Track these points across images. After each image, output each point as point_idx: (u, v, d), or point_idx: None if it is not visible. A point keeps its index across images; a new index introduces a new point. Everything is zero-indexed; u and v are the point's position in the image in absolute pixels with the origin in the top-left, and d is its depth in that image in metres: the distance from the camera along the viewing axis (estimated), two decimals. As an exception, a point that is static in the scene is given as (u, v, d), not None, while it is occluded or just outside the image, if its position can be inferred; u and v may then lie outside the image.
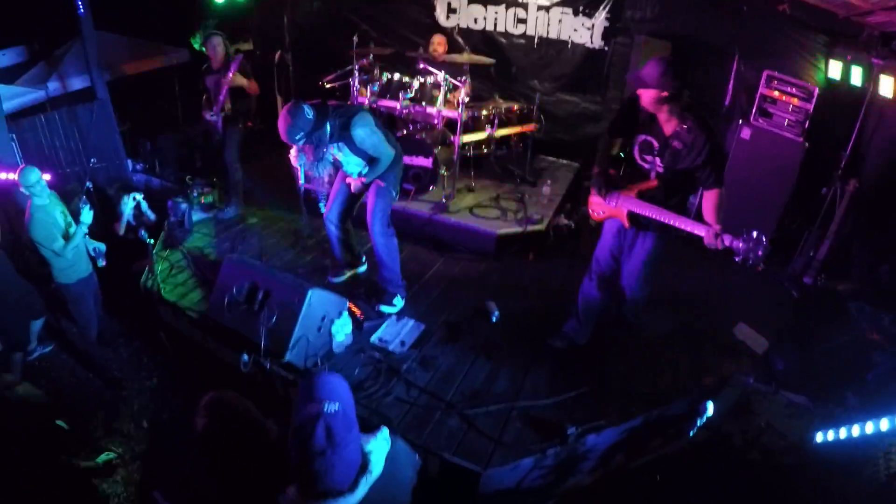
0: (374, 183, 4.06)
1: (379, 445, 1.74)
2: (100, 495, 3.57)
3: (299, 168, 4.00)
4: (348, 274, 4.74)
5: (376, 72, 5.88)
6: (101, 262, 4.46)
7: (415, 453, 2.05)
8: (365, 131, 3.78)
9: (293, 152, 3.87)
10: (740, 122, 5.55)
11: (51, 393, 4.30)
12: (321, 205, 4.17)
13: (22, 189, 3.91)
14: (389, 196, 4.13)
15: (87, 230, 4.16)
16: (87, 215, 4.11)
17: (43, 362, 4.64)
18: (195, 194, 5.92)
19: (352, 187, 4.13)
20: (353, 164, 4.04)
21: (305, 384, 1.68)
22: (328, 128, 3.71)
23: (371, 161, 3.97)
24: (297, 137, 3.62)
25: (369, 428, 1.81)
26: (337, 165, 4.16)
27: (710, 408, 2.87)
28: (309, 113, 3.59)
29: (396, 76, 5.80)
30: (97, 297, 4.51)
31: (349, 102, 5.74)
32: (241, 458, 1.92)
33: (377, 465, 1.69)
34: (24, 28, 6.25)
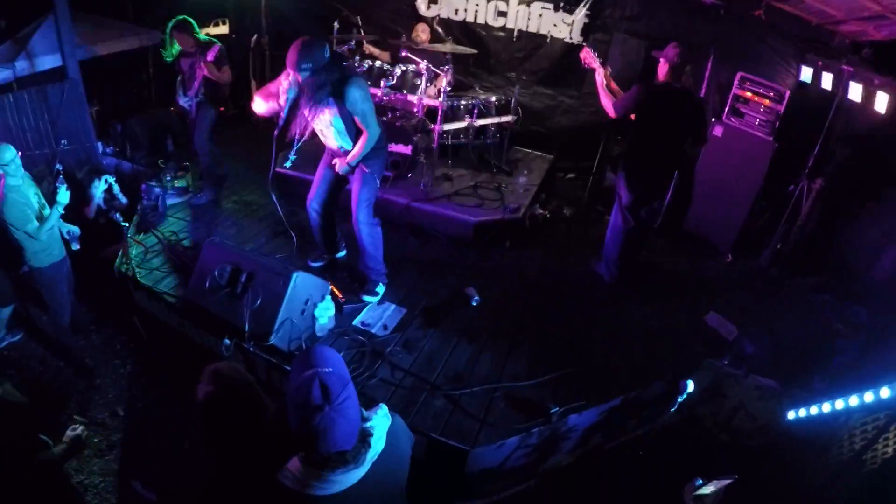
0: (359, 169, 4.00)
1: (380, 421, 1.75)
2: (76, 488, 3.52)
3: (284, 104, 3.82)
4: (327, 259, 4.73)
5: (356, 59, 5.86)
6: (75, 246, 4.35)
7: (410, 431, 2.07)
8: (360, 94, 3.69)
9: (283, 84, 3.74)
10: (713, 119, 5.69)
11: (21, 382, 4.20)
12: (291, 155, 4.05)
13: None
14: (374, 183, 4.09)
15: (62, 211, 4.04)
16: (63, 196, 3.98)
17: (12, 351, 4.52)
18: (168, 178, 5.83)
19: (337, 167, 4.03)
20: (336, 133, 3.93)
21: (300, 356, 1.71)
22: (329, 76, 3.59)
23: (356, 135, 3.93)
24: (304, 66, 3.50)
25: (367, 406, 1.83)
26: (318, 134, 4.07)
27: (691, 385, 2.97)
28: (326, 51, 3.52)
29: (378, 63, 5.80)
30: (70, 282, 4.39)
31: None
32: (240, 430, 1.91)
33: (379, 441, 1.71)
34: None
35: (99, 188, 4.95)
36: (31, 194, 3.97)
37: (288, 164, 4.03)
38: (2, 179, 3.81)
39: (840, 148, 5.20)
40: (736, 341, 4.24)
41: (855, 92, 4.72)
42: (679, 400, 2.97)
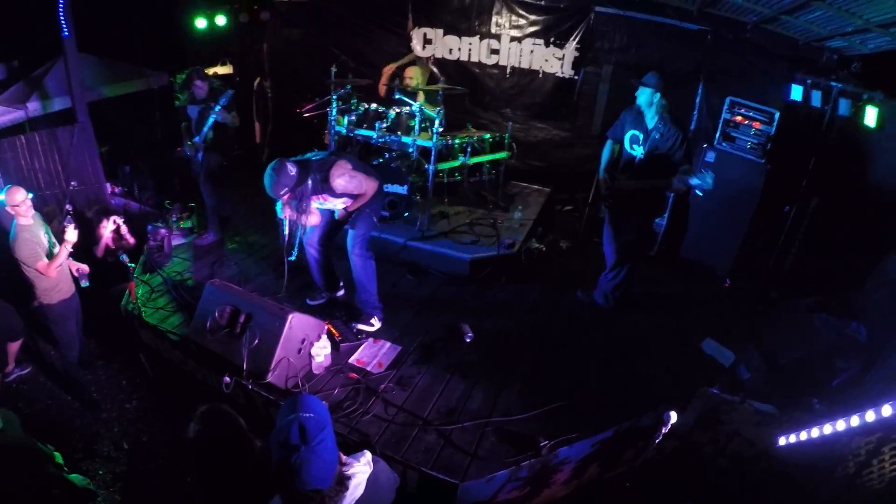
0: (358, 210, 4.21)
1: (361, 468, 1.85)
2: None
3: (283, 222, 4.16)
4: (326, 297, 4.84)
5: (353, 102, 6.01)
6: (84, 283, 4.49)
7: (394, 473, 2.14)
8: (343, 180, 3.98)
9: (279, 206, 4.06)
10: (705, 146, 5.77)
11: (29, 416, 4.30)
12: (293, 252, 4.43)
13: (7, 208, 3.93)
14: (371, 222, 4.30)
15: (71, 250, 4.18)
16: (72, 234, 4.12)
17: (21, 384, 4.65)
18: (174, 219, 5.97)
19: (336, 215, 4.29)
20: (340, 205, 4.21)
21: (287, 402, 1.81)
22: (310, 183, 3.89)
23: (357, 197, 4.18)
24: (282, 192, 3.81)
25: (351, 450, 1.92)
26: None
27: (674, 416, 2.98)
28: (292, 170, 3.79)
29: (373, 106, 5.93)
30: (79, 319, 4.52)
31: (325, 132, 5.92)
32: (228, 467, 2.02)
33: (358, 487, 1.80)
34: (4, 46, 6.24)
35: (107, 228, 5.10)
36: (42, 234, 4.11)
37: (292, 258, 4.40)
38: (13, 219, 3.97)
39: (833, 164, 5.23)
40: (733, 367, 4.24)
41: (845, 107, 4.78)
42: (663, 431, 2.98)
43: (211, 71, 7.52)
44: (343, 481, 1.76)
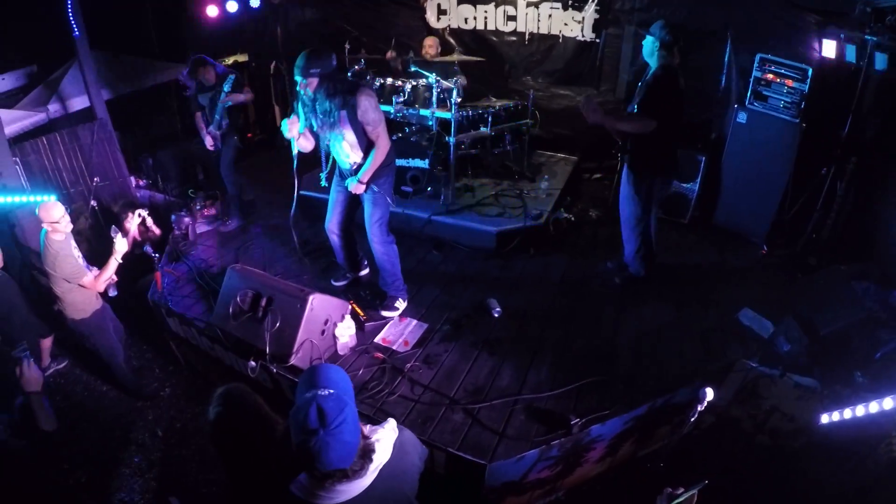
0: (369, 189, 4.04)
1: (386, 434, 1.80)
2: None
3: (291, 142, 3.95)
4: (350, 278, 4.78)
5: (368, 77, 5.91)
6: (113, 293, 4.48)
7: (423, 445, 2.07)
8: (370, 102, 3.76)
9: (284, 124, 3.84)
10: (736, 106, 5.54)
11: (66, 408, 4.42)
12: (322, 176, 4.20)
13: (44, 225, 3.84)
14: (385, 203, 4.11)
15: (120, 260, 4.12)
16: (121, 244, 4.07)
17: (58, 378, 4.74)
18: (198, 207, 5.99)
19: (352, 188, 4.03)
20: (349, 146, 3.97)
21: (306, 374, 1.77)
22: (338, 85, 3.70)
23: (366, 149, 3.94)
24: (313, 71, 3.60)
25: (377, 422, 1.87)
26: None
27: (710, 394, 2.85)
28: (334, 59, 3.65)
29: (389, 80, 5.82)
30: (117, 325, 4.50)
31: None
32: (250, 448, 1.97)
33: (384, 452, 1.75)
34: (22, 52, 6.28)
35: (133, 222, 5.12)
36: (73, 246, 4.05)
37: (323, 183, 4.15)
38: (46, 234, 3.87)
39: (871, 122, 4.95)
40: (772, 339, 4.07)
41: (881, 62, 4.50)
42: (699, 409, 2.86)
43: (230, 60, 7.52)
44: (368, 454, 1.71)
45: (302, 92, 3.75)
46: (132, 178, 6.61)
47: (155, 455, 4.09)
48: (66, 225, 3.87)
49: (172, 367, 4.91)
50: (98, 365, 4.62)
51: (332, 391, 1.66)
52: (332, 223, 4.39)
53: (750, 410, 3.74)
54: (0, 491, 2.72)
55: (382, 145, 3.90)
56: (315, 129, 3.94)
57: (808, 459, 3.41)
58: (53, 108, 6.13)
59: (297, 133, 3.87)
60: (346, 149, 3.98)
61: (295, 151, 4.02)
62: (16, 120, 5.68)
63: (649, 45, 4.13)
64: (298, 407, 1.64)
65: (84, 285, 3.98)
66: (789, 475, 3.42)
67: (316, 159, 5.05)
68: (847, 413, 3.09)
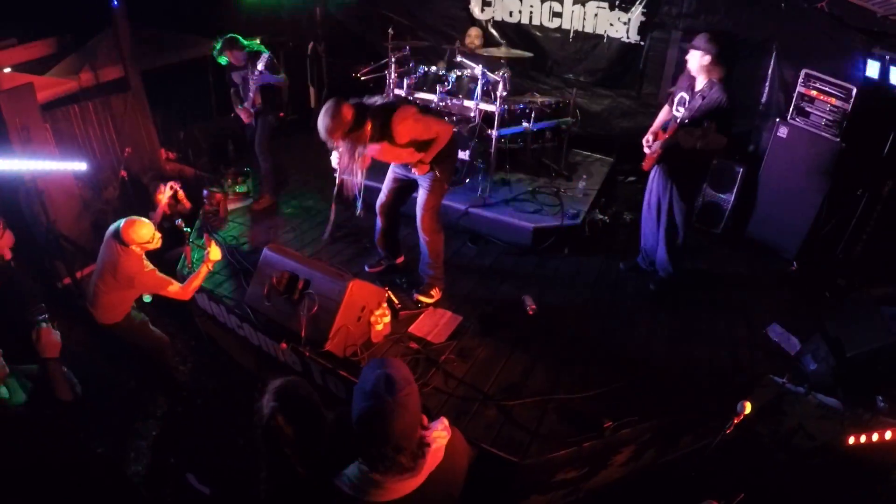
0: (431, 173, 3.98)
1: (440, 434, 1.81)
2: (132, 479, 3.66)
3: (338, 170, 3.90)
4: (385, 264, 4.77)
5: (412, 64, 5.90)
6: (147, 298, 4.31)
7: (467, 444, 2.10)
8: (407, 125, 3.65)
9: (334, 156, 3.79)
10: (777, 120, 5.50)
11: (85, 382, 4.38)
12: (357, 204, 4.16)
13: (134, 247, 3.67)
14: (442, 189, 4.07)
15: (212, 269, 4.06)
16: (216, 253, 3.97)
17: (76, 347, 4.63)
18: (229, 183, 6.00)
19: (416, 172, 3.98)
20: (404, 158, 3.93)
21: (373, 361, 1.81)
22: (368, 128, 3.58)
23: (429, 144, 3.86)
24: (335, 135, 3.51)
25: (430, 416, 1.88)
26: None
27: (748, 407, 2.89)
28: (348, 112, 3.46)
29: (433, 69, 5.81)
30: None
31: (385, 94, 5.76)
32: (301, 442, 1.98)
33: (437, 452, 1.78)
34: (57, 19, 6.26)
35: (165, 194, 5.14)
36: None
37: (358, 213, 4.22)
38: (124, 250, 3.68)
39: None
40: (798, 356, 4.09)
41: (923, 86, 4.49)
42: (734, 422, 2.90)
43: (257, 40, 7.48)
44: (423, 447, 1.74)
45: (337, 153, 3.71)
46: (162, 151, 6.65)
47: (173, 431, 4.07)
48: (157, 242, 3.75)
49: (195, 343, 4.91)
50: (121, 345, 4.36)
51: (399, 368, 1.72)
52: (383, 203, 4.37)
53: (773, 427, 3.78)
54: (13, 460, 2.60)
55: (442, 133, 3.83)
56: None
57: (827, 480, 3.45)
58: (85, 77, 6.10)
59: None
60: (403, 160, 4.00)
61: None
62: (48, 86, 5.67)
63: (696, 59, 4.14)
64: (365, 378, 1.69)
65: (171, 295, 3.84)
66: (808, 494, 3.47)
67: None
68: (875, 436, 3.14)
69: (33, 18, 6.04)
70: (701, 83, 4.20)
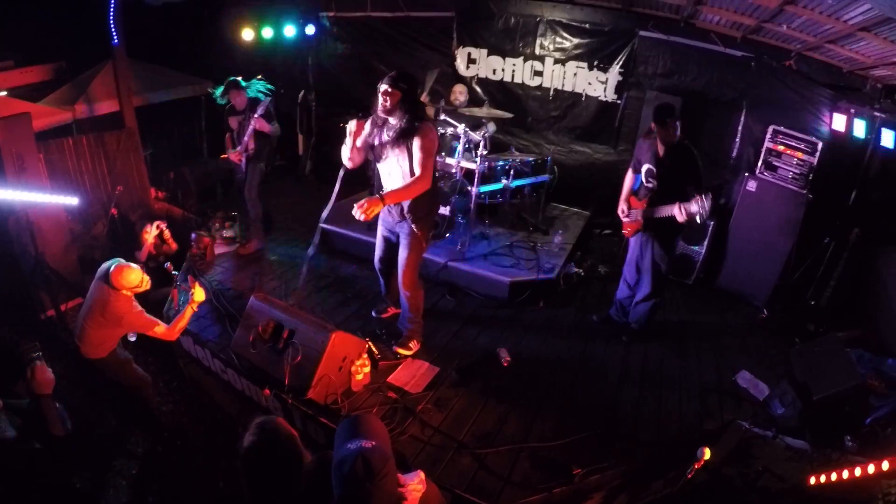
0: (410, 230, 4.12)
1: (415, 487, 1.90)
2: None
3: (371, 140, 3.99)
4: (392, 312, 4.91)
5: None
6: (132, 338, 4.28)
7: (441, 495, 2.19)
8: (432, 136, 3.83)
9: (352, 123, 3.92)
10: (746, 174, 5.75)
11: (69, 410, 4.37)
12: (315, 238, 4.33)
13: (123, 293, 3.69)
14: (420, 247, 4.22)
15: (196, 310, 3.98)
16: (200, 294, 3.93)
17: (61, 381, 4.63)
18: (217, 227, 6.10)
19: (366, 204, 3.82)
20: (401, 175, 3.98)
21: (347, 422, 1.85)
22: (405, 115, 3.76)
23: (413, 180, 3.91)
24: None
25: (404, 468, 1.98)
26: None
27: (707, 453, 3.01)
28: (419, 87, 3.80)
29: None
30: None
31: None
32: (279, 479, 2.05)
33: None
34: (54, 46, 6.35)
35: (151, 234, 5.20)
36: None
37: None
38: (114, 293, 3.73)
39: (875, 196, 5.19)
40: (767, 401, 4.24)
41: (887, 138, 4.72)
42: (695, 467, 3.01)
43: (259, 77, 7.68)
44: (399, 502, 1.82)
45: (380, 100, 3.79)
46: (151, 190, 6.63)
47: (153, 470, 4.02)
48: (146, 285, 3.78)
49: (177, 384, 4.84)
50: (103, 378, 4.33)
51: (374, 443, 1.74)
52: (378, 258, 4.56)
53: (742, 469, 3.87)
54: (13, 492, 2.69)
55: (424, 178, 3.88)
56: (375, 145, 3.99)
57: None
58: (80, 108, 6.18)
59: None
60: (395, 172, 4.01)
61: (341, 173, 4.12)
62: (42, 115, 5.71)
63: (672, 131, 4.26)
64: (343, 458, 1.72)
65: (157, 335, 3.85)
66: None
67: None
68: (833, 476, 3.24)
69: (31, 43, 6.12)
70: (665, 150, 4.35)
